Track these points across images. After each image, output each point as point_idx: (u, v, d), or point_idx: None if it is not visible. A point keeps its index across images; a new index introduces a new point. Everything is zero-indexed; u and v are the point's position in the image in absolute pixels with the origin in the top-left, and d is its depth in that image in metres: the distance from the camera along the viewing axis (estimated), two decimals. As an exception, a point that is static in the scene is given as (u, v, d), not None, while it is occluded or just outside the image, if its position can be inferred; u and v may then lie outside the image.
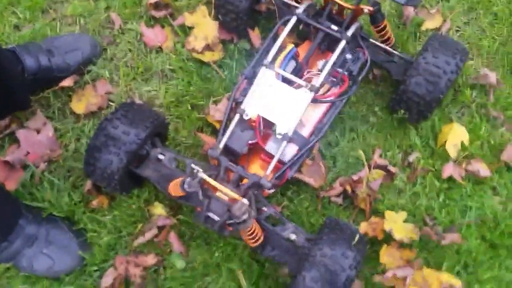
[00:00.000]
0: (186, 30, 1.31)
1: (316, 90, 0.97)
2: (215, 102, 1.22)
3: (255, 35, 1.26)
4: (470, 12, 1.36)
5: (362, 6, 1.05)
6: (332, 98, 1.03)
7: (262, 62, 1.06)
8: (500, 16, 1.33)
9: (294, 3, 1.19)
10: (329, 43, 1.13)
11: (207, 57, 1.27)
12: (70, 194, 1.12)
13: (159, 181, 1.04)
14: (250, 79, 1.07)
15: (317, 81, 0.99)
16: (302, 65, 1.12)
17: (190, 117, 1.21)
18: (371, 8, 1.04)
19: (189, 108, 1.22)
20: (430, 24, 1.30)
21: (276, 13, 1.23)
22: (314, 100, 1.00)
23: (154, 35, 1.30)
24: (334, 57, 0.99)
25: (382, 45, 1.13)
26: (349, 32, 1.01)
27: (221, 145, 0.99)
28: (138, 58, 1.30)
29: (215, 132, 1.19)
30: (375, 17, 1.09)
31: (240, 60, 1.28)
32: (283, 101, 0.99)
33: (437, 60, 1.04)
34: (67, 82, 1.22)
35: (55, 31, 1.34)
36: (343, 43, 1.01)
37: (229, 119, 1.03)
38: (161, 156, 1.04)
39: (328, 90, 1.05)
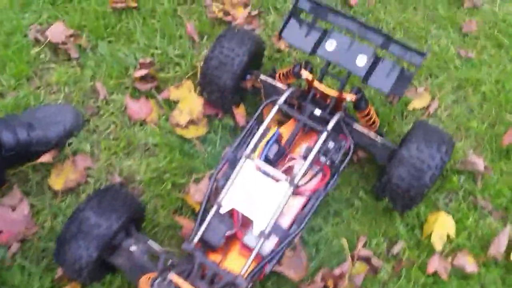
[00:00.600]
0: (171, 104, 1.30)
1: (296, 185, 0.95)
2: (197, 181, 1.19)
3: (239, 113, 1.26)
4: (458, 90, 1.36)
5: (344, 94, 1.04)
6: (311, 192, 1.00)
7: (244, 148, 1.05)
8: (488, 96, 1.33)
9: (279, 85, 1.19)
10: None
11: (191, 132, 1.25)
12: (42, 278, 1.08)
13: (131, 272, 1.01)
14: (232, 163, 1.06)
15: (297, 174, 0.96)
16: (285, 148, 1.10)
17: (169, 196, 1.18)
18: (353, 97, 1.04)
19: (169, 186, 1.19)
20: (417, 103, 1.29)
21: (262, 91, 1.23)
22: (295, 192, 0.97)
23: (139, 108, 1.29)
24: (314, 151, 0.97)
25: (365, 131, 1.12)
26: (330, 125, 1.00)
27: (196, 239, 0.96)
28: (121, 131, 1.28)
29: (194, 214, 1.17)
30: (359, 104, 1.08)
31: (225, 136, 1.27)
32: (262, 195, 0.97)
33: (421, 154, 1.02)
34: (46, 158, 1.20)
35: (39, 100, 1.33)
36: (324, 136, 0.99)
37: (206, 209, 1.00)
38: (133, 248, 1.00)
39: (310, 179, 1.03)
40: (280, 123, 1.24)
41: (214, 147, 1.25)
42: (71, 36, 1.41)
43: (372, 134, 1.12)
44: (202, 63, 1.17)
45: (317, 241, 1.13)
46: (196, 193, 1.16)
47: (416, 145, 1.04)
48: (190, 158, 1.24)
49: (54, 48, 1.41)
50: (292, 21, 1.07)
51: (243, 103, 1.29)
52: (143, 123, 1.29)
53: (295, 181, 0.95)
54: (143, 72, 1.30)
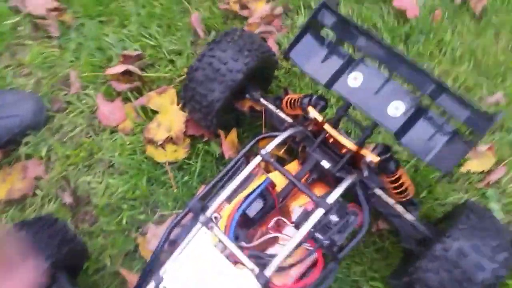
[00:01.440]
0: (149, 113, 1.04)
1: (265, 282, 0.66)
2: (159, 221, 0.94)
3: (229, 141, 0.97)
4: (539, 152, 0.98)
5: (364, 151, 0.73)
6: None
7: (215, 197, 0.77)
8: None
9: (282, 116, 0.88)
10: (320, 174, 0.82)
11: (166, 155, 0.99)
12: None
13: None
14: (196, 216, 0.79)
15: (271, 263, 0.67)
16: (275, 202, 0.81)
17: (123, 234, 0.93)
18: (376, 159, 0.71)
19: (125, 221, 0.94)
20: (475, 165, 0.94)
21: (263, 118, 0.93)
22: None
23: (111, 112, 1.04)
24: (300, 234, 0.67)
25: (391, 202, 0.80)
26: (331, 197, 0.69)
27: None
28: (86, 136, 1.04)
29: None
30: (384, 167, 0.76)
31: (208, 166, 0.99)
32: (218, 284, 0.68)
33: (464, 260, 0.69)
34: (-10, 158, 0.99)
35: (3, 82, 1.11)
36: (320, 212, 0.68)
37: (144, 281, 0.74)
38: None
39: (294, 265, 0.73)
40: (281, 162, 0.95)
41: (192, 179, 0.98)
42: (54, 9, 1.17)
43: (399, 208, 0.80)
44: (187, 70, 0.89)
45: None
46: (154, 239, 0.90)
47: (459, 243, 0.70)
48: (159, 188, 0.97)
49: (34, 22, 1.18)
50: (308, 38, 0.75)
51: (239, 127, 1.00)
52: (114, 130, 1.04)
53: (266, 273, 0.66)
54: (122, 67, 1.04)
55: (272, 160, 0.72)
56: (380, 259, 0.90)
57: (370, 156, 0.72)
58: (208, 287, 0.68)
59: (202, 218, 0.70)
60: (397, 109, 0.68)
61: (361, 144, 0.75)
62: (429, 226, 0.79)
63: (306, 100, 0.78)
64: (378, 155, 0.72)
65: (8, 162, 1.02)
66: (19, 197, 0.99)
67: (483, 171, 0.95)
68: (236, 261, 0.70)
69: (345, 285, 0.88)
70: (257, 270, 0.66)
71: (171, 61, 1.10)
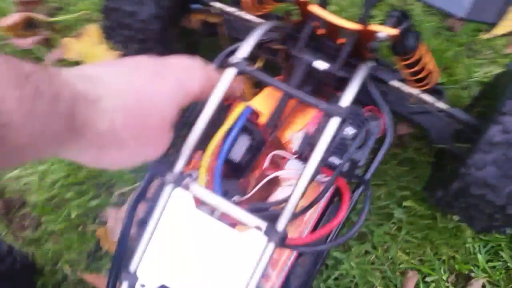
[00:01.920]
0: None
1: (282, 239, 0.46)
2: (119, 202, 0.71)
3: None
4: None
5: (373, 26, 0.51)
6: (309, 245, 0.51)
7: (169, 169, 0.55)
8: None
9: (248, 17, 0.66)
10: (317, 81, 0.61)
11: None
12: None
13: None
14: (163, 178, 0.57)
15: (284, 213, 0.46)
16: (265, 135, 0.60)
17: (76, 232, 0.71)
18: (394, 32, 0.50)
19: (74, 214, 0.71)
20: (502, 28, 0.75)
21: (222, 30, 0.70)
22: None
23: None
24: (319, 152, 0.46)
25: (415, 93, 0.60)
26: (345, 101, 0.48)
27: None
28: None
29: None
30: (403, 44, 0.56)
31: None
32: (218, 259, 0.48)
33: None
34: None
35: None
36: (335, 123, 0.48)
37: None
38: None
39: (308, 206, 0.53)
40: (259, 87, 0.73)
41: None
42: None
43: (427, 98, 0.60)
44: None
45: (332, 285, 0.67)
46: (117, 226, 0.68)
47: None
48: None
49: None
50: None
51: (194, 53, 0.76)
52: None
53: (279, 228, 0.46)
54: (21, 16, 0.77)
55: (251, 68, 0.50)
56: (406, 173, 0.72)
57: (384, 30, 0.50)
58: (206, 266, 0.47)
59: (169, 177, 0.48)
60: None
61: (364, 21, 0.54)
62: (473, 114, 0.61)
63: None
64: (395, 26, 0.52)
65: None
66: None
67: (509, 32, 0.76)
68: (233, 223, 0.49)
69: (371, 215, 0.70)
70: (264, 225, 0.46)
71: (81, -4, 0.84)
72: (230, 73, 0.50)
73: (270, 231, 0.45)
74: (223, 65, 0.50)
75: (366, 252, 0.69)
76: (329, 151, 0.50)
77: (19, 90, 0.26)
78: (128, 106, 0.35)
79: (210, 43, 0.79)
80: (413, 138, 0.73)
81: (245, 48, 0.51)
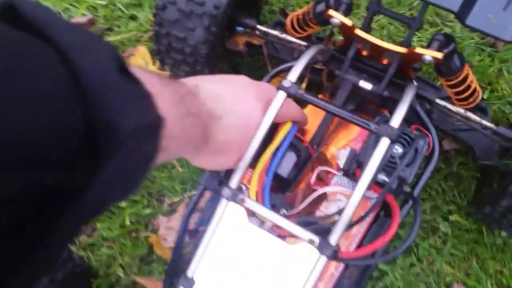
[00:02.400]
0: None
1: (334, 253, 0.48)
2: (169, 211, 0.76)
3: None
4: None
5: (419, 49, 0.53)
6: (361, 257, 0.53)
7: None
8: None
9: (292, 39, 0.69)
10: (358, 104, 0.64)
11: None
12: None
13: None
14: (214, 192, 0.61)
15: (336, 229, 0.49)
16: (310, 151, 0.63)
17: (130, 239, 0.76)
18: (439, 55, 0.52)
19: (128, 221, 0.76)
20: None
21: (264, 52, 0.74)
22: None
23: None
24: (370, 171, 0.49)
25: (461, 112, 0.61)
26: (396, 121, 0.50)
27: None
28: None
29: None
30: (449, 65, 0.58)
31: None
32: (270, 271, 0.51)
33: None
34: None
35: None
36: (385, 143, 0.50)
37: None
38: None
39: (358, 221, 0.56)
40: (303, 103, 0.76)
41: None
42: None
43: (472, 116, 0.61)
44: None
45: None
46: (169, 234, 0.73)
47: None
48: (159, 172, 0.79)
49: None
50: None
51: (238, 73, 0.81)
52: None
53: (331, 241, 0.48)
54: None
55: (301, 91, 0.53)
56: (451, 188, 0.73)
57: (429, 53, 0.52)
58: (257, 275, 0.51)
59: (226, 191, 0.51)
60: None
61: (408, 44, 0.57)
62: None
63: (321, 6, 0.59)
64: (439, 49, 0.54)
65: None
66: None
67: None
68: (281, 236, 0.52)
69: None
70: (317, 239, 0.48)
71: (132, 17, 0.89)
72: (281, 96, 0.53)
73: (323, 245, 0.48)
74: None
75: (411, 265, 0.70)
76: (379, 170, 0.52)
77: (177, 109, 0.34)
78: (239, 123, 0.45)
79: (251, 62, 0.82)
80: (458, 153, 0.74)
81: (295, 72, 0.55)
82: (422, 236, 0.72)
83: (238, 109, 0.45)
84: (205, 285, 0.52)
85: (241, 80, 0.49)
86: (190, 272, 0.53)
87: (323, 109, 0.53)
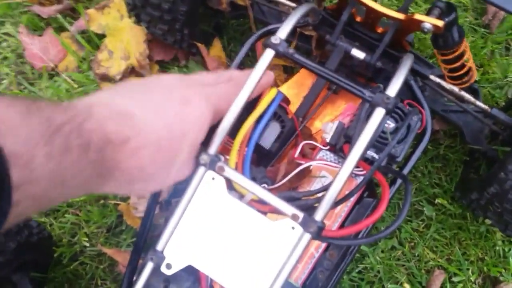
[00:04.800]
0: (94, 39, 0.77)
1: (318, 230, 0.45)
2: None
3: (212, 58, 0.72)
4: None
5: (418, 15, 0.50)
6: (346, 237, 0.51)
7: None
8: None
9: (288, 1, 0.64)
10: (349, 70, 0.60)
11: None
12: None
13: None
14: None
15: (322, 204, 0.46)
16: (295, 123, 0.60)
17: (98, 207, 0.71)
18: (440, 23, 0.49)
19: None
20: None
21: (250, 13, 0.68)
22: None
23: (43, 50, 0.78)
24: (361, 145, 0.45)
25: (455, 90, 0.59)
26: (393, 90, 0.47)
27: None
28: (19, 88, 0.78)
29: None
30: (447, 37, 0.54)
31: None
32: (247, 246, 0.48)
33: None
34: None
35: None
36: (380, 114, 0.46)
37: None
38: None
39: (344, 198, 0.53)
40: (288, 73, 0.72)
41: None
42: None
43: (465, 96, 0.59)
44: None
45: (356, 278, 0.67)
46: (140, 203, 0.68)
47: None
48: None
49: None
50: None
51: (221, 36, 0.76)
52: (53, 74, 0.78)
53: (317, 219, 0.45)
54: (43, -17, 0.76)
55: (291, 51, 0.48)
56: (438, 170, 0.72)
57: (430, 20, 0.49)
58: (235, 252, 0.47)
59: (204, 157, 0.47)
60: None
61: (406, 11, 0.53)
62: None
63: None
64: (440, 17, 0.50)
65: None
66: None
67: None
68: (262, 212, 0.49)
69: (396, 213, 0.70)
70: (301, 215, 0.45)
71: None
72: (269, 55, 0.49)
73: (307, 221, 0.44)
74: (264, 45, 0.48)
75: (393, 248, 0.69)
76: (370, 144, 0.49)
77: (49, 146, 0.27)
78: (159, 140, 0.36)
79: (236, 25, 0.77)
80: (446, 135, 0.72)
81: (285, 29, 0.50)
82: (406, 219, 0.70)
83: (154, 124, 0.36)
84: (176, 261, 0.48)
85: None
86: (160, 246, 0.49)
87: (315, 72, 0.49)
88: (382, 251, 0.69)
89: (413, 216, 0.70)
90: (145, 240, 0.56)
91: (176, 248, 0.49)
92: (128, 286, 0.55)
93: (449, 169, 0.71)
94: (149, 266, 0.49)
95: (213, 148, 0.48)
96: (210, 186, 0.48)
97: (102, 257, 0.71)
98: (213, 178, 0.48)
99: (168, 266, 0.49)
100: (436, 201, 0.69)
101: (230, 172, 0.47)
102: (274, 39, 0.48)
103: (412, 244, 0.69)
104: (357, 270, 0.69)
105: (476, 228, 0.68)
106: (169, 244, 0.49)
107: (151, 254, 0.49)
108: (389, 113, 0.46)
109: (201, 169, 0.48)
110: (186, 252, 0.48)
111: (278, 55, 0.48)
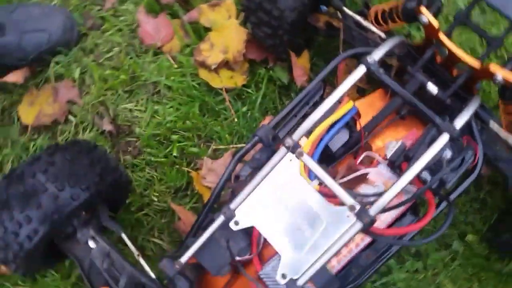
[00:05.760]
0: (200, 30, 0.89)
1: (370, 223, 0.53)
2: (215, 155, 0.81)
3: (300, 64, 0.83)
4: None
5: (492, 66, 0.57)
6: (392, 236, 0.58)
7: (290, 126, 0.65)
8: None
9: (373, 29, 0.73)
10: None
11: (222, 81, 0.85)
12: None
13: (89, 272, 0.68)
14: (267, 146, 0.66)
15: (377, 202, 0.54)
16: (361, 136, 0.68)
17: (173, 168, 0.81)
18: (511, 76, 0.56)
19: (175, 153, 0.82)
20: None
21: (341, 35, 0.78)
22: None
23: (155, 30, 0.90)
24: (417, 167, 0.53)
25: (511, 140, 0.65)
26: (460, 121, 0.55)
27: (184, 259, 0.59)
28: (126, 58, 0.90)
29: (201, 202, 0.80)
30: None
31: (271, 96, 0.86)
32: (303, 221, 0.56)
33: None
34: (14, 77, 0.87)
35: (28, -7, 0.97)
36: (444, 139, 0.54)
37: (209, 217, 0.63)
38: (91, 244, 0.66)
39: (396, 206, 0.60)
40: (359, 94, 0.81)
41: (252, 109, 0.85)
42: None
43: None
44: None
45: (378, 291, 0.74)
46: (209, 174, 0.78)
47: None
48: (213, 118, 0.85)
49: None
50: None
51: (309, 49, 0.86)
52: (158, 52, 0.90)
53: (371, 213, 0.53)
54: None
55: (381, 70, 0.58)
56: (474, 211, 0.78)
57: (503, 73, 0.57)
58: (293, 224, 0.56)
59: (289, 141, 0.56)
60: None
61: (483, 60, 0.61)
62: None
63: (413, 2, 0.63)
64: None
65: (35, 84, 0.90)
66: (49, 123, 0.87)
67: None
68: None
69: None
70: (358, 206, 0.53)
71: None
72: (361, 70, 0.58)
73: (362, 212, 0.52)
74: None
75: (417, 270, 0.75)
76: (429, 164, 0.56)
77: None
78: None
79: (325, 43, 0.87)
80: (490, 181, 0.78)
81: (379, 52, 0.59)
82: (435, 247, 0.76)
83: None
84: (244, 220, 0.57)
85: None
86: (233, 205, 0.58)
87: (398, 93, 0.58)
88: (407, 271, 0.76)
89: (442, 247, 0.76)
90: (214, 201, 0.66)
91: (246, 210, 0.58)
92: (195, 233, 0.65)
93: (486, 213, 0.77)
94: (220, 219, 0.58)
95: (297, 135, 0.58)
96: (287, 165, 0.57)
97: (164, 213, 0.81)
98: (290, 160, 0.57)
99: (236, 223, 0.58)
100: (466, 238, 0.75)
101: (307, 158, 0.56)
102: (369, 58, 0.57)
103: (436, 271, 0.75)
104: (380, 282, 0.75)
105: (498, 270, 0.73)
106: (242, 205, 0.58)
107: (224, 210, 0.58)
108: (452, 140, 0.54)
109: (283, 150, 0.57)
110: (254, 215, 0.58)
111: (369, 72, 0.57)
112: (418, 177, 0.61)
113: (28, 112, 0.88)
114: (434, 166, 0.60)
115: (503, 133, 0.65)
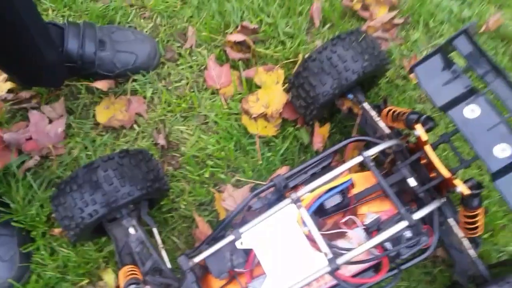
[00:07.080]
0: (252, 85, 1.11)
1: (335, 269, 0.73)
2: (236, 184, 1.02)
3: (320, 133, 1.03)
4: None
5: (457, 181, 0.77)
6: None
7: (298, 180, 0.85)
8: None
9: (381, 125, 0.93)
10: (400, 189, 0.87)
11: (257, 128, 1.06)
12: (42, 207, 1.01)
13: (121, 251, 0.89)
14: (278, 191, 0.86)
15: (345, 255, 0.73)
16: (350, 202, 0.87)
17: (202, 186, 1.02)
18: (466, 191, 0.76)
19: (206, 176, 1.03)
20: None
21: (358, 120, 0.98)
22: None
23: (218, 75, 1.12)
24: (380, 238, 0.73)
25: (460, 235, 0.84)
26: (418, 214, 0.74)
27: (197, 260, 0.80)
28: (190, 89, 1.13)
29: (217, 218, 1.00)
30: (469, 202, 0.80)
31: (292, 149, 1.06)
32: (289, 255, 0.76)
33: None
34: (101, 84, 1.10)
35: (126, 19, 1.21)
36: (403, 224, 0.74)
37: (222, 232, 0.83)
38: (131, 231, 0.87)
39: (360, 262, 0.80)
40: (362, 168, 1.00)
41: (275, 156, 1.05)
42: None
43: (466, 244, 0.84)
44: (303, 58, 0.95)
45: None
46: (229, 199, 0.98)
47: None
48: (243, 155, 1.05)
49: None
50: (436, 58, 0.79)
51: (330, 122, 1.06)
52: (215, 92, 1.12)
53: (338, 262, 0.73)
54: (240, 37, 1.11)
55: (372, 164, 0.78)
56: (426, 282, 0.95)
57: (461, 187, 0.76)
58: (282, 255, 0.76)
59: (293, 195, 0.77)
60: (503, 151, 0.71)
61: (454, 173, 0.80)
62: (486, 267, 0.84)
63: (414, 117, 0.83)
64: (470, 188, 0.76)
65: (114, 93, 1.12)
66: (117, 127, 1.09)
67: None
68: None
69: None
70: (330, 255, 0.73)
71: (282, 42, 1.16)
72: (358, 159, 0.78)
73: (332, 260, 0.72)
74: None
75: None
76: (390, 238, 0.75)
77: None
78: None
79: (342, 122, 1.07)
80: (445, 262, 0.96)
81: (375, 150, 0.79)
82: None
83: None
84: (247, 242, 0.78)
85: None
86: (242, 229, 0.78)
87: (379, 182, 0.77)
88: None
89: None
90: (229, 221, 0.86)
91: (251, 236, 0.78)
92: (208, 242, 0.85)
93: (435, 286, 0.94)
94: (230, 237, 0.79)
95: (301, 192, 0.78)
96: (287, 212, 0.77)
97: (187, 219, 1.01)
98: (292, 209, 0.78)
99: (241, 243, 0.78)
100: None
101: (303, 211, 0.77)
102: (366, 153, 0.77)
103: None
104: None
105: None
106: (249, 231, 0.78)
107: (234, 231, 0.79)
108: (409, 228, 0.73)
109: (288, 201, 0.78)
110: (255, 241, 0.78)
111: (363, 162, 0.77)
112: (382, 245, 0.80)
113: (103, 113, 1.11)
114: (396, 241, 0.79)
115: (456, 229, 0.84)
